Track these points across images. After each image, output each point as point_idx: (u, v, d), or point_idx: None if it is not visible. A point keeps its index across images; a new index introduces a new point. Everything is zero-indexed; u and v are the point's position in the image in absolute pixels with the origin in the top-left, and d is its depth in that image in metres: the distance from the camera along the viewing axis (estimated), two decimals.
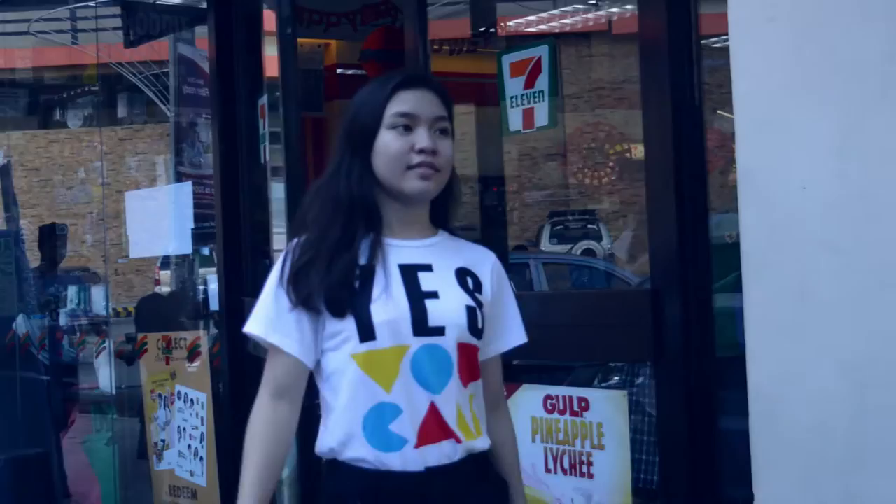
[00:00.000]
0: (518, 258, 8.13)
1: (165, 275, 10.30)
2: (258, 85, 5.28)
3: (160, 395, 5.83)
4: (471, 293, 2.61)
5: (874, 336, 2.51)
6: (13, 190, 7.61)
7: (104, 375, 7.50)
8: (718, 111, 3.56)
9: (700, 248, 3.15)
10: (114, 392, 7.07)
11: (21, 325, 7.12)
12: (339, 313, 2.51)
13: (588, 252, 14.19)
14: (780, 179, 2.68)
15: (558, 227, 16.12)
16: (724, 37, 2.89)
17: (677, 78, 3.15)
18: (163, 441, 5.79)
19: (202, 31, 6.98)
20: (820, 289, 2.60)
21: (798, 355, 2.63)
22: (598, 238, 15.48)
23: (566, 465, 3.43)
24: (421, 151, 2.53)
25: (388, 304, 2.51)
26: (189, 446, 5.58)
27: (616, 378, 4.48)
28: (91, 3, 8.26)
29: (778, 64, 2.71)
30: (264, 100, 4.97)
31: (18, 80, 10.62)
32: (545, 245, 15.54)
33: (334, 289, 2.50)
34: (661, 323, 3.14)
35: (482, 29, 7.87)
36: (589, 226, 16.01)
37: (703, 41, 3.21)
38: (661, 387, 3.22)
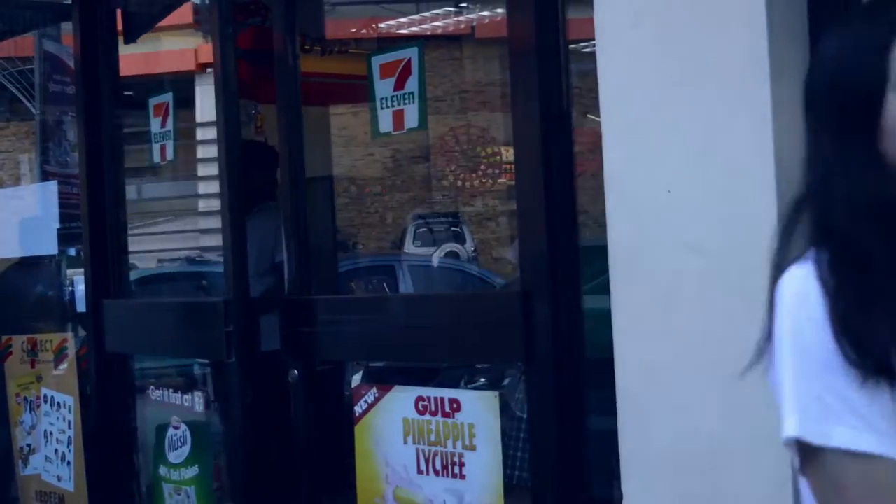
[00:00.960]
0: (383, 260, 8.15)
1: None
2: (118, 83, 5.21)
3: (25, 399, 5.71)
4: None
5: (738, 337, 2.56)
6: None
7: None
8: (589, 115, 3.60)
9: (569, 250, 3.18)
10: None
11: None
12: None
13: (451, 254, 14.23)
14: (645, 183, 2.73)
15: (422, 230, 16.11)
16: (594, 41, 2.92)
17: (546, 81, 3.17)
18: (28, 446, 5.67)
19: (68, 28, 6.86)
20: (686, 291, 2.64)
21: (664, 357, 2.67)
22: (462, 240, 15.53)
23: (438, 467, 3.44)
24: None
25: None
26: (56, 451, 5.47)
27: (483, 379, 4.52)
28: None
29: (642, 69, 2.75)
30: (167, 98, 4.88)
31: None
32: (409, 248, 15.51)
33: None
34: (531, 324, 3.16)
35: (352, 30, 7.87)
36: (452, 228, 16.05)
37: (572, 45, 3.24)
38: (531, 388, 3.25)
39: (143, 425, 5.05)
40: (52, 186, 5.99)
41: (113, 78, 5.19)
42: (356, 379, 4.99)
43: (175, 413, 4.65)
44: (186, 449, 4.60)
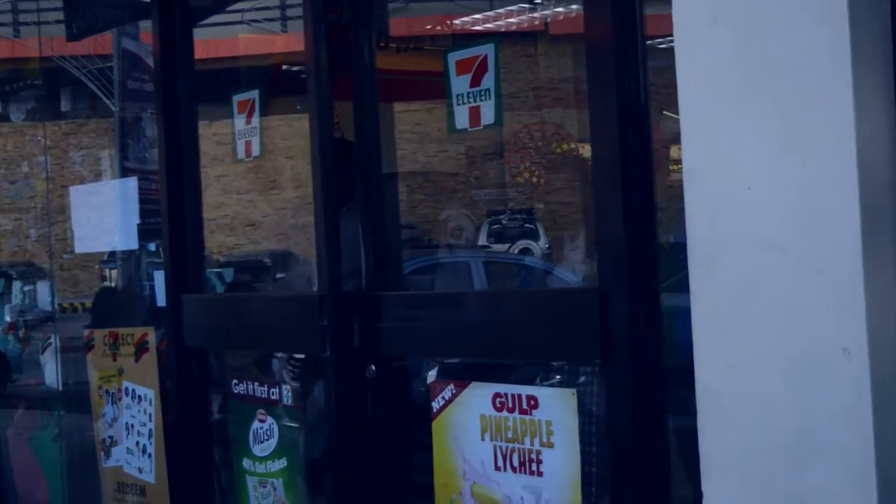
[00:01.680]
0: (457, 257, 8.13)
1: (111, 271, 10.23)
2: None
3: (107, 392, 5.79)
4: None
5: (818, 333, 2.54)
6: None
7: (50, 371, 7.44)
8: (665, 111, 3.58)
9: (647, 247, 3.17)
10: (60, 388, 7.02)
11: None
12: None
13: (525, 251, 14.19)
14: (725, 180, 2.71)
15: (495, 227, 16.05)
16: (670, 37, 2.90)
17: (623, 78, 3.16)
18: (110, 438, 5.76)
19: (146, 25, 6.93)
20: (765, 287, 2.62)
21: (744, 354, 2.65)
22: (536, 237, 15.48)
23: (515, 463, 3.44)
24: None
25: None
26: (137, 443, 5.55)
27: (558, 377, 4.50)
28: None
29: (722, 64, 2.73)
30: (253, 94, 4.91)
31: None
32: (482, 244, 15.47)
33: None
34: (608, 322, 3.16)
35: (427, 27, 7.87)
36: (526, 225, 15.99)
37: (648, 42, 3.23)
38: (609, 386, 3.24)
39: (225, 418, 5.10)
40: (133, 183, 6.07)
41: (190, 75, 5.24)
42: (431, 375, 5.00)
43: (260, 406, 4.69)
44: (273, 442, 4.64)
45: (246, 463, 4.78)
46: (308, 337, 4.32)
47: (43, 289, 10.49)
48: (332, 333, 4.15)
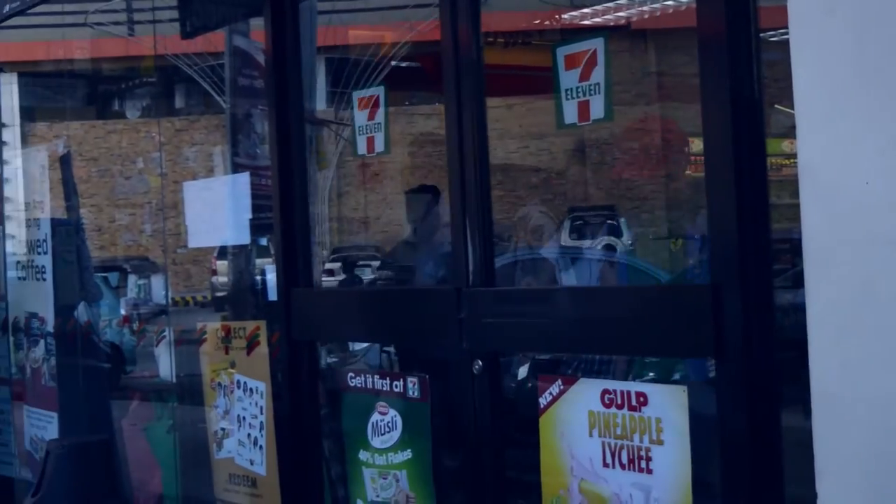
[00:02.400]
0: (541, 253, 8.05)
1: (222, 265, 10.36)
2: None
3: (220, 384, 5.87)
4: None
5: None
6: (73, 180, 7.67)
7: (164, 364, 7.57)
8: (776, 105, 3.53)
9: (760, 242, 3.13)
10: (174, 380, 7.13)
11: (82, 313, 7.20)
12: None
13: (608, 247, 14.06)
14: (841, 175, 2.66)
15: (577, 223, 15.89)
16: (783, 30, 2.86)
17: (736, 72, 3.13)
18: (223, 429, 5.83)
19: (256, 23, 7.01)
20: (883, 285, 2.57)
21: (861, 353, 2.61)
22: (619, 234, 15.33)
23: (624, 460, 3.42)
24: None
25: None
26: (249, 435, 5.61)
27: (652, 374, 4.46)
28: None
29: (839, 57, 2.69)
30: (378, 91, 4.93)
31: (77, 71, 10.72)
32: (564, 241, 15.36)
33: None
34: (721, 318, 3.12)
35: (536, 21, 7.86)
36: (608, 221, 15.85)
37: (761, 34, 3.18)
38: (722, 383, 3.20)
39: (336, 411, 5.12)
40: (245, 178, 6.14)
41: (300, 72, 5.29)
42: (522, 371, 5.00)
43: (381, 398, 4.70)
44: (396, 434, 4.64)
45: (363, 455, 4.80)
46: (442, 330, 4.27)
47: (157, 283, 10.69)
48: (466, 327, 4.11)
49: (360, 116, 4.87)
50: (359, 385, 4.83)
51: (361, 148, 4.87)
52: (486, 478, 4.04)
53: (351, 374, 4.94)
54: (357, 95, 4.93)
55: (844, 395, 2.64)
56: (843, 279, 2.65)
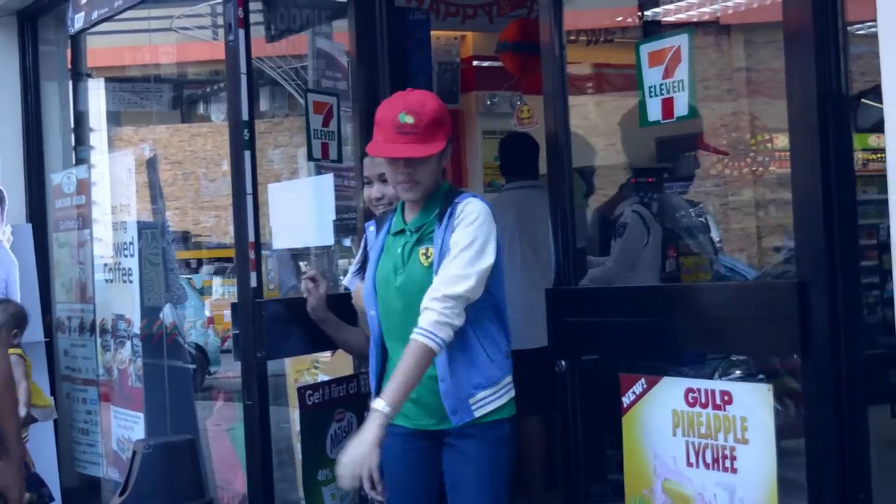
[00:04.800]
0: None
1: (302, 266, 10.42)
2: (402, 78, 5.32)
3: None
4: None
5: None
6: (159, 183, 7.77)
7: None
8: (863, 100, 3.50)
9: (848, 239, 3.09)
10: None
11: (168, 314, 7.28)
12: None
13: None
14: None
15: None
16: (870, 23, 2.82)
17: (823, 66, 3.09)
18: None
19: (338, 25, 7.06)
20: None
21: None
22: (706, 231, 15.12)
23: (709, 460, 3.39)
24: None
25: None
26: None
27: (738, 371, 4.41)
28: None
29: None
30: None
31: (162, 75, 10.86)
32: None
33: None
34: (808, 316, 3.09)
35: (618, 18, 7.82)
36: (697, 218, 15.62)
37: (848, 28, 3.14)
38: (808, 382, 3.16)
39: None
40: (328, 180, 6.17)
41: (385, 72, 5.31)
42: None
43: None
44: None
45: None
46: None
47: None
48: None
49: None
50: None
51: None
52: (571, 477, 4.03)
53: None
54: None
55: None
56: None
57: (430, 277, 3.47)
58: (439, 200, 3.60)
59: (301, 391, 4.84)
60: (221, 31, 5.33)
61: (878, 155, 2.68)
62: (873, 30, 2.78)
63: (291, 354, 6.69)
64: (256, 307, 4.75)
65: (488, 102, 7.98)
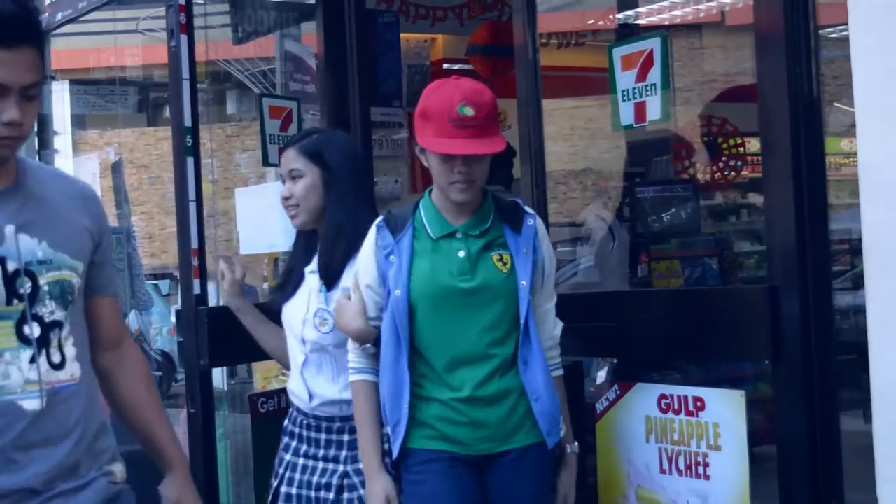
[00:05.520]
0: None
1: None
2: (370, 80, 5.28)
3: None
4: None
5: None
6: (125, 187, 7.70)
7: (215, 371, 7.55)
8: (835, 104, 3.49)
9: (819, 245, 3.08)
10: (225, 388, 7.12)
11: (133, 321, 7.21)
12: None
13: None
14: None
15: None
16: (841, 26, 2.81)
17: (794, 70, 3.08)
18: None
19: (307, 27, 7.01)
20: None
21: None
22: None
23: (682, 466, 3.37)
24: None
25: None
26: None
27: (729, 377, 4.40)
28: (199, 1, 8.36)
29: None
30: None
31: (128, 77, 10.78)
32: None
33: None
34: (779, 321, 3.07)
35: (589, 21, 7.82)
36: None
37: (819, 31, 3.13)
38: (779, 387, 3.15)
39: None
40: None
41: (355, 74, 5.27)
42: (601, 375, 4.94)
43: None
44: None
45: None
46: None
47: (210, 289, 10.70)
48: None
49: None
50: None
51: None
52: None
53: None
54: None
55: None
56: None
57: (509, 285, 3.17)
58: (490, 203, 3.29)
59: (253, 399, 4.78)
60: None
61: (851, 159, 2.67)
62: (845, 33, 2.77)
63: (236, 363, 6.65)
64: (199, 314, 4.69)
65: None
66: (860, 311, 2.76)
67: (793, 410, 3.08)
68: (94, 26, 8.28)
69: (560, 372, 3.30)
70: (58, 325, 2.59)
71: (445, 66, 7.96)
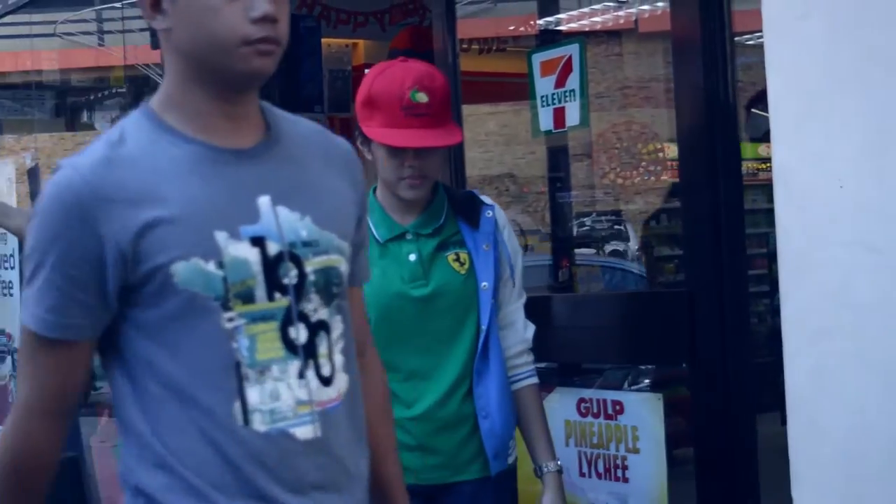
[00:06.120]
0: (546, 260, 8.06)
1: None
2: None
3: None
4: None
5: None
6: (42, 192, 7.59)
7: None
8: (753, 109, 3.53)
9: (736, 249, 3.11)
10: None
11: None
12: None
13: (615, 254, 13.98)
14: (816, 178, 2.64)
15: (584, 229, 15.87)
16: (758, 34, 2.84)
17: (711, 75, 3.11)
18: None
19: None
20: (858, 288, 2.55)
21: (836, 357, 2.58)
22: (626, 239, 15.27)
23: (601, 469, 3.39)
24: None
25: None
26: None
27: (647, 381, 4.44)
28: (117, 5, 8.27)
29: (813, 61, 2.67)
30: None
31: (45, 82, 10.63)
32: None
33: None
34: (696, 325, 3.10)
35: (510, 27, 7.84)
36: (616, 227, 15.79)
37: (736, 38, 3.17)
38: (696, 390, 3.18)
39: None
40: None
41: (273, 81, 5.25)
42: None
43: None
44: None
45: None
46: None
47: None
48: None
49: None
50: None
51: None
52: None
53: None
54: None
55: (819, 400, 2.61)
56: (817, 283, 2.62)
57: (468, 288, 2.85)
58: (442, 197, 2.94)
59: None
60: (107, 38, 5.21)
61: (767, 164, 2.72)
62: (762, 40, 2.80)
63: None
64: None
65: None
66: (777, 313, 2.79)
67: (710, 413, 3.11)
68: (10, 30, 8.17)
69: (533, 381, 2.97)
70: (323, 325, 1.95)
71: (367, 70, 7.94)
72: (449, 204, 2.94)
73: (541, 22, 6.81)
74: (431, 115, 2.80)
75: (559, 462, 2.95)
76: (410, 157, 2.80)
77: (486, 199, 2.99)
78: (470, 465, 2.87)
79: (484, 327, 2.86)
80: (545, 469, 2.94)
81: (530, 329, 3.00)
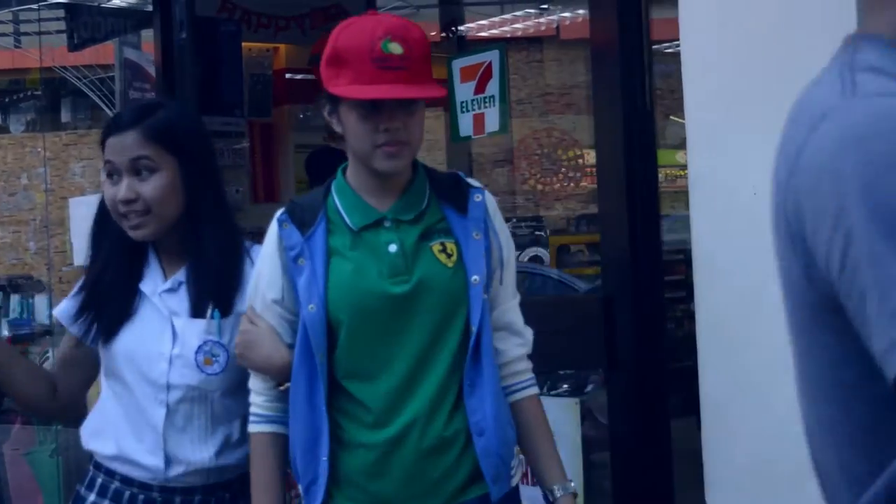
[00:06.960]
0: None
1: None
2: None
3: None
4: None
5: None
6: None
7: None
8: (671, 117, 3.56)
9: (652, 255, 3.14)
10: None
11: None
12: None
13: (535, 259, 14.05)
14: (731, 186, 2.67)
15: None
16: (676, 42, 2.88)
17: (629, 83, 3.13)
18: None
19: (147, 35, 6.90)
20: (771, 295, 2.57)
21: (750, 363, 2.61)
22: (545, 245, 15.35)
23: None
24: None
25: None
26: None
27: (565, 386, 4.46)
28: (34, 6, 8.17)
29: (729, 69, 2.70)
30: None
31: None
32: None
33: None
34: (613, 330, 3.12)
35: (432, 33, 7.85)
36: (536, 233, 15.88)
37: (655, 46, 3.20)
38: (613, 394, 3.20)
39: None
40: None
41: (193, 83, 5.21)
42: None
43: None
44: None
45: None
46: None
47: (41, 302, 10.44)
48: None
49: None
50: None
51: None
52: None
53: None
54: None
55: (733, 405, 2.65)
56: (731, 289, 2.66)
57: (457, 283, 2.40)
58: (423, 177, 2.51)
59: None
60: (24, 39, 5.14)
61: (685, 171, 2.74)
62: (679, 48, 2.83)
63: None
64: None
65: (301, 116, 7.91)
66: (693, 319, 2.82)
67: (625, 416, 3.13)
68: None
69: (533, 391, 2.56)
70: None
71: (288, 75, 7.91)
72: (431, 186, 2.51)
73: (462, 28, 6.83)
74: (407, 69, 2.34)
75: (572, 483, 2.55)
76: (385, 119, 2.34)
77: (472, 181, 2.56)
78: (463, 492, 2.42)
79: (475, 328, 2.39)
80: (558, 493, 2.53)
81: (528, 332, 2.62)
